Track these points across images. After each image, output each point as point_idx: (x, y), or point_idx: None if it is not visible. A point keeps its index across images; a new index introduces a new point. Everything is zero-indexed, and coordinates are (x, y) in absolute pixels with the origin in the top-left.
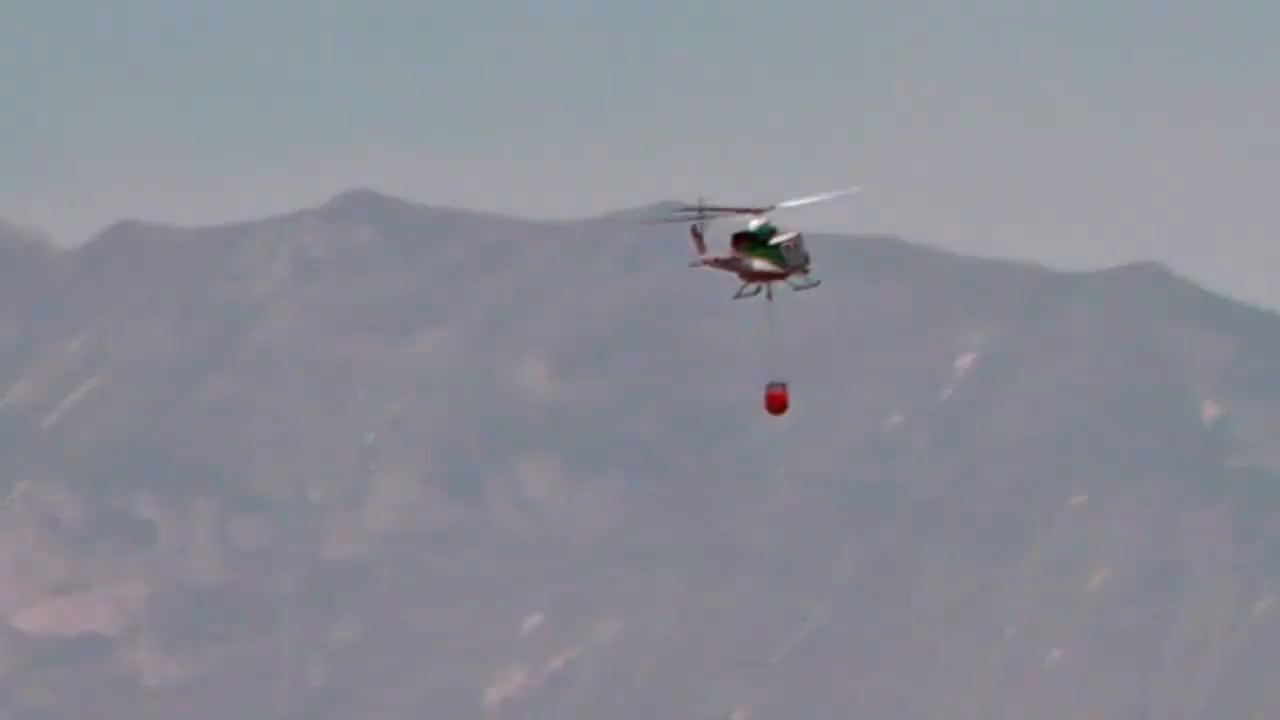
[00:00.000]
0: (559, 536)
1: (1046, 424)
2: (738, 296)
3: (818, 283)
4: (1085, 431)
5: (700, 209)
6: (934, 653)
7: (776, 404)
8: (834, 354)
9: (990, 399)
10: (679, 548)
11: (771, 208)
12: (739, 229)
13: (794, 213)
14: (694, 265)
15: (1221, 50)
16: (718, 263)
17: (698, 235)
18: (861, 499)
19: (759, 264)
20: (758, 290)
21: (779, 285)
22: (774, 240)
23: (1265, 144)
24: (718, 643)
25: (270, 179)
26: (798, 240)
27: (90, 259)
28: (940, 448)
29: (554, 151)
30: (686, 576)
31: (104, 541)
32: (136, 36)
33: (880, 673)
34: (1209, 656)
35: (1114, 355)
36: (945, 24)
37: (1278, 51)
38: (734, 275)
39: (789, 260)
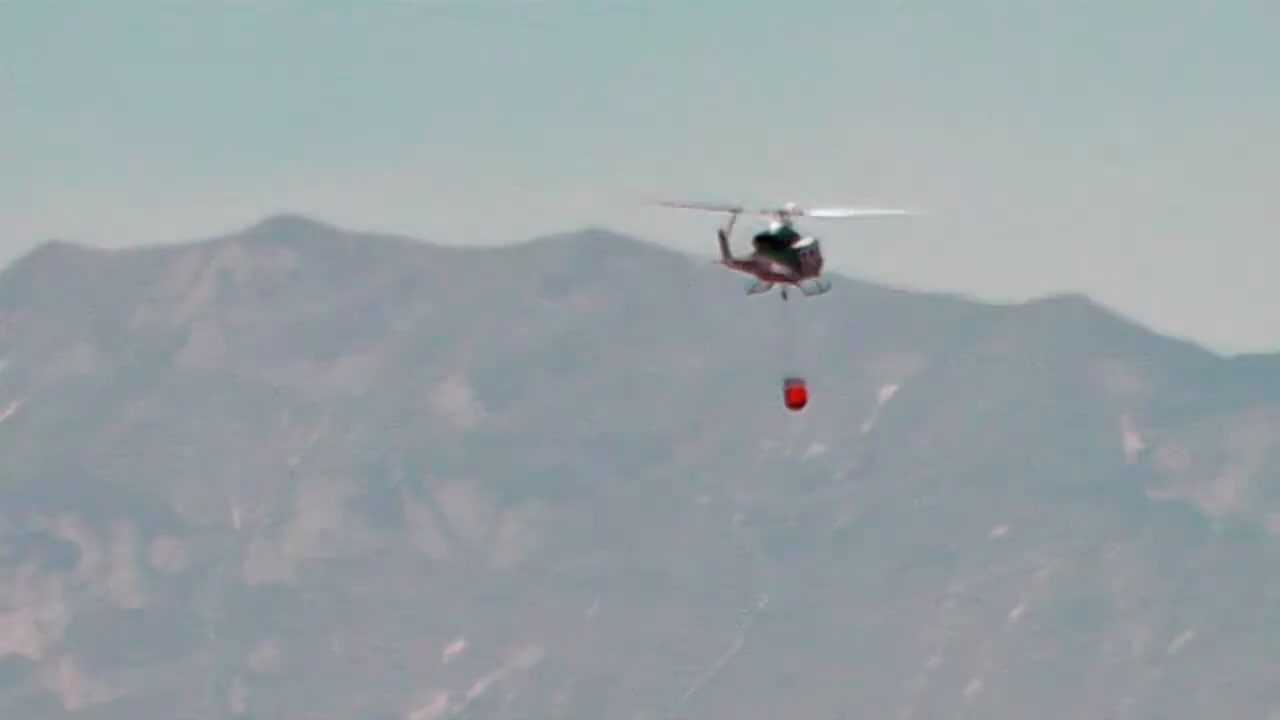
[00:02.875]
0: (481, 562)
1: (968, 455)
2: (751, 292)
3: (828, 288)
4: (1007, 463)
5: (735, 209)
6: (853, 683)
7: (797, 398)
8: (755, 383)
9: (912, 429)
10: (600, 575)
11: (800, 213)
12: (761, 230)
13: (817, 221)
14: (719, 265)
15: (1144, 83)
16: (739, 264)
17: (724, 238)
18: (782, 528)
19: (776, 267)
20: (769, 288)
21: (793, 287)
22: (794, 245)
23: (1187, 175)
24: (637, 671)
25: (196, 202)
26: (815, 247)
27: (13, 280)
28: (861, 477)
29: (480, 177)
30: (607, 604)
31: (25, 563)
32: (60, 56)
33: (799, 703)
34: (1129, 690)
35: (1036, 386)
36: (871, 55)
37: (1199, 85)
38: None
39: (804, 266)
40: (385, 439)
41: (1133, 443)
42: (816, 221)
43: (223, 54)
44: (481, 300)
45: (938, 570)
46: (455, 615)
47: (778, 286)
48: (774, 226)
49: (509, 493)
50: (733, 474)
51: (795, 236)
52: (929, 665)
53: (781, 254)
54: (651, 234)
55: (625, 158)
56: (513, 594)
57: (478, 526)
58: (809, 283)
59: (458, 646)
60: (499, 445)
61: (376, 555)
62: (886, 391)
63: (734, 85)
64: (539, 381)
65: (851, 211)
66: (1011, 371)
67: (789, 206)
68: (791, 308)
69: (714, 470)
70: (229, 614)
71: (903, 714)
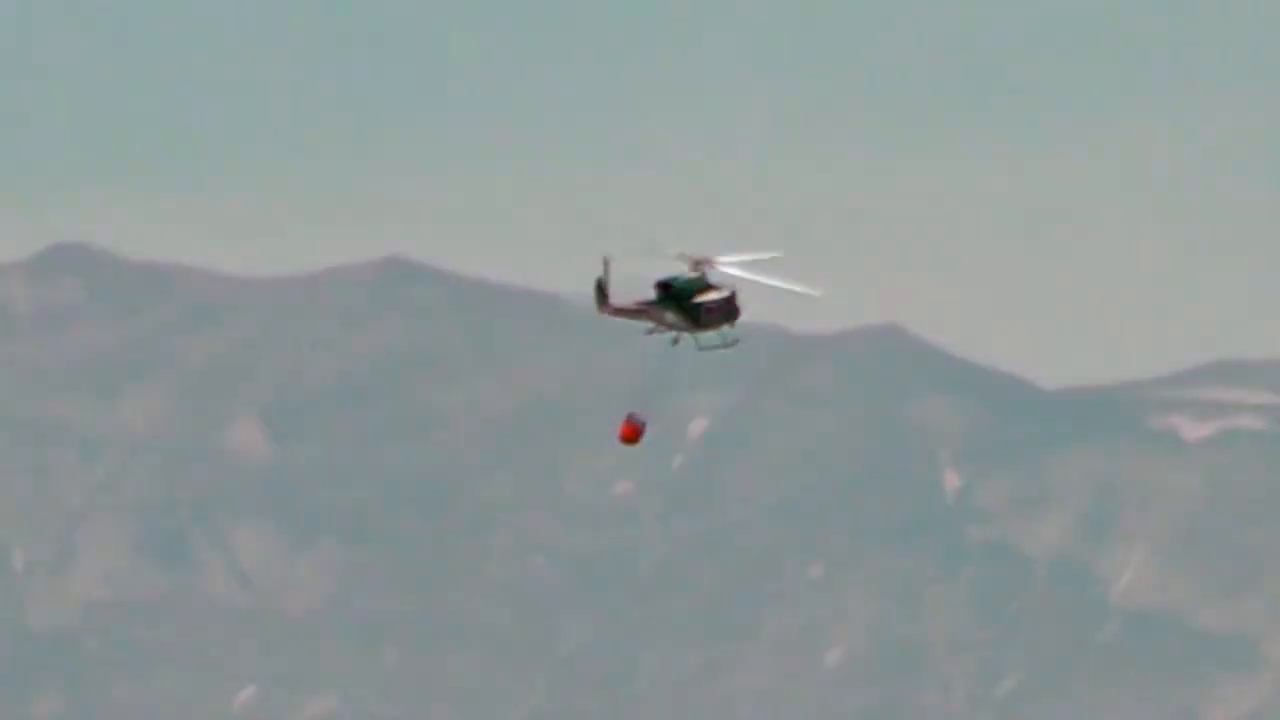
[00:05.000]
0: (273, 605)
1: (783, 492)
2: (649, 333)
3: (734, 344)
4: (823, 500)
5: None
6: None
7: (631, 435)
8: (559, 418)
9: (724, 466)
10: (397, 619)
11: (709, 263)
12: (668, 277)
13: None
14: (599, 314)
15: (962, 111)
16: (624, 312)
17: (602, 287)
18: (588, 569)
19: (671, 318)
20: (667, 331)
21: (693, 335)
22: (698, 299)
23: (1010, 203)
24: (436, 719)
25: None
26: (725, 301)
27: None
28: (671, 516)
29: (272, 204)
30: (405, 649)
31: None
32: None
33: None
34: None
35: (854, 421)
36: (682, 85)
37: (1017, 115)
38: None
39: (704, 321)
40: (173, 477)
41: (952, 480)
42: (723, 275)
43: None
44: (274, 333)
45: (750, 613)
46: (246, 660)
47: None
48: (683, 276)
49: (302, 534)
50: (535, 514)
51: (706, 288)
52: (741, 713)
53: (680, 307)
54: (452, 263)
55: (429, 184)
56: (306, 639)
57: (270, 568)
58: (708, 336)
59: (248, 694)
60: (292, 484)
61: (164, 598)
62: (697, 426)
63: (545, 113)
64: (334, 417)
65: (756, 277)
66: (826, 405)
67: (700, 255)
68: (595, 337)
69: (516, 510)
70: (11, 660)
71: None
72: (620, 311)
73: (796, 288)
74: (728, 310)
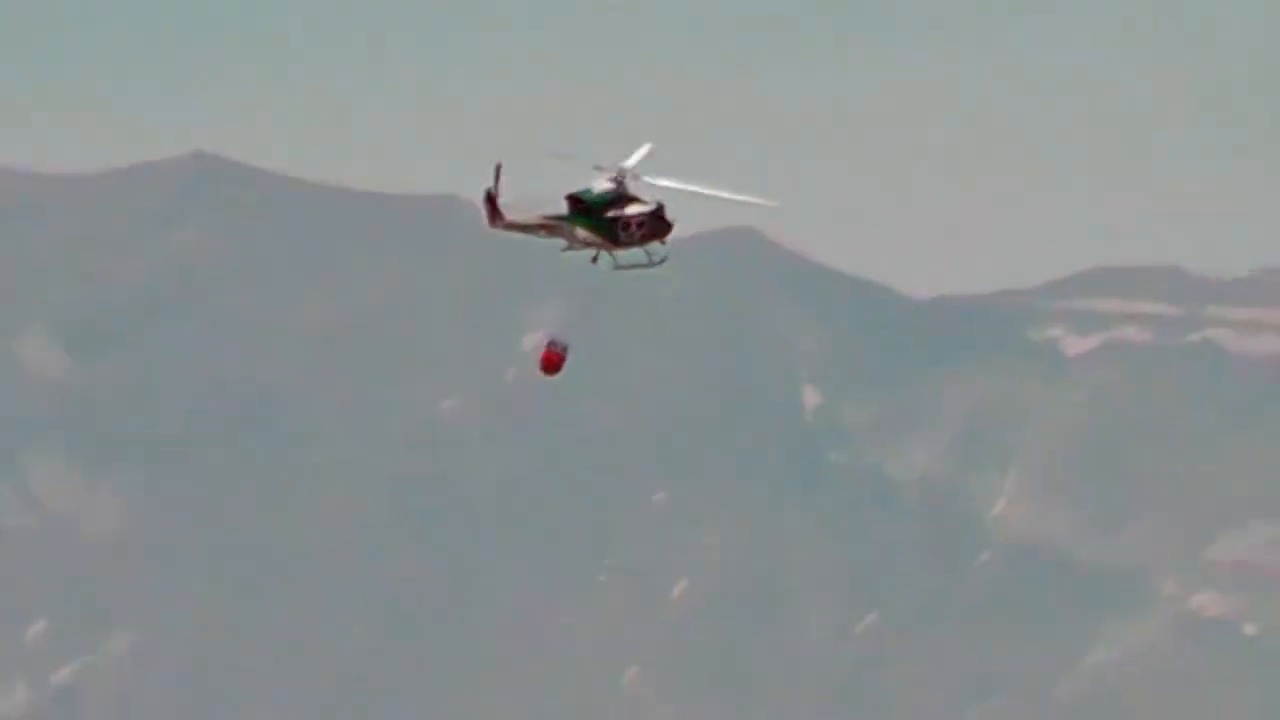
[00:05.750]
0: (67, 536)
1: (625, 412)
2: (566, 249)
3: (660, 262)
4: (668, 420)
5: (498, 166)
6: (496, 671)
7: (551, 364)
8: (383, 330)
9: (559, 384)
10: (204, 550)
11: (636, 176)
12: (582, 190)
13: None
14: (490, 228)
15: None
16: (520, 227)
17: (492, 198)
18: (413, 496)
19: (582, 233)
20: (583, 248)
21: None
22: (613, 212)
23: (875, 105)
24: (247, 660)
25: None
26: (649, 216)
27: None
28: (503, 438)
29: (66, 95)
30: (212, 583)
31: None
32: None
33: (437, 692)
34: (809, 679)
35: (703, 334)
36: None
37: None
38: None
39: (621, 236)
40: None
41: (811, 398)
42: (653, 190)
43: None
44: (69, 237)
45: (590, 543)
46: (37, 595)
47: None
48: (598, 187)
49: (100, 458)
50: (356, 434)
51: (624, 201)
52: (580, 652)
53: (594, 222)
54: (269, 159)
55: (229, 81)
56: (103, 572)
57: (64, 496)
58: (631, 253)
59: (39, 629)
60: (89, 404)
61: None
62: (532, 339)
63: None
64: (135, 331)
65: (699, 189)
66: (672, 317)
67: (626, 165)
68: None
69: (334, 431)
70: None
71: (550, 707)
72: (515, 226)
73: (753, 199)
74: (653, 225)
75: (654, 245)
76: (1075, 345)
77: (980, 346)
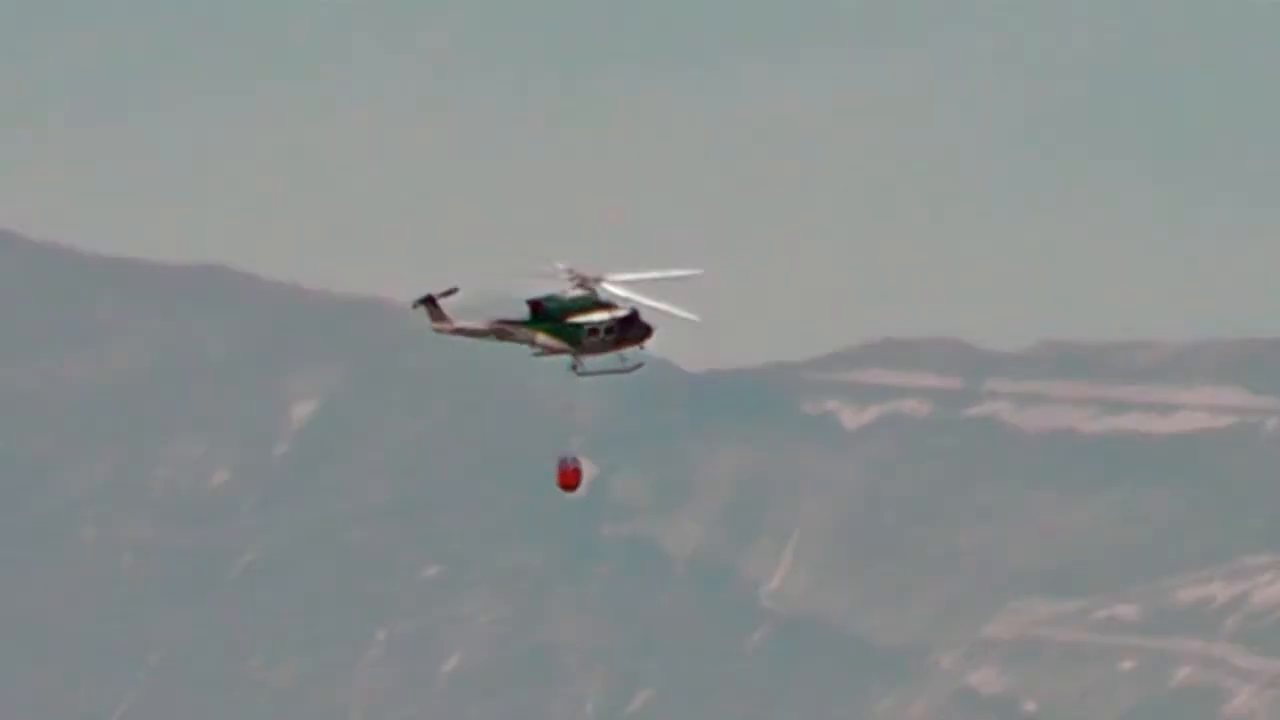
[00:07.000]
0: None
1: (396, 483)
2: (536, 355)
3: (636, 367)
4: (440, 492)
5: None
6: None
7: (569, 481)
8: (153, 400)
9: (333, 454)
10: None
11: (598, 280)
12: (544, 295)
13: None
14: (438, 330)
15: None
16: (468, 333)
17: (431, 301)
18: (182, 567)
19: (542, 339)
20: (554, 354)
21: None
22: (580, 318)
23: (652, 164)
24: None
25: None
26: (620, 323)
27: None
28: (273, 510)
29: None
30: None
31: None
32: None
33: None
34: None
35: (474, 404)
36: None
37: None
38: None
39: (586, 343)
40: None
41: (586, 470)
42: (612, 293)
43: None
44: None
45: (360, 616)
46: None
47: (569, 358)
48: (569, 294)
49: None
50: (124, 506)
51: (590, 307)
52: None
53: (556, 328)
54: (39, 228)
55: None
56: None
57: None
58: (604, 358)
59: None
60: None
61: None
62: (302, 410)
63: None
64: None
65: (640, 299)
66: (444, 386)
67: (589, 274)
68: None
69: (102, 502)
70: None
71: None
72: (463, 331)
73: (678, 313)
74: (621, 330)
75: (638, 350)
76: (853, 418)
77: (755, 420)
